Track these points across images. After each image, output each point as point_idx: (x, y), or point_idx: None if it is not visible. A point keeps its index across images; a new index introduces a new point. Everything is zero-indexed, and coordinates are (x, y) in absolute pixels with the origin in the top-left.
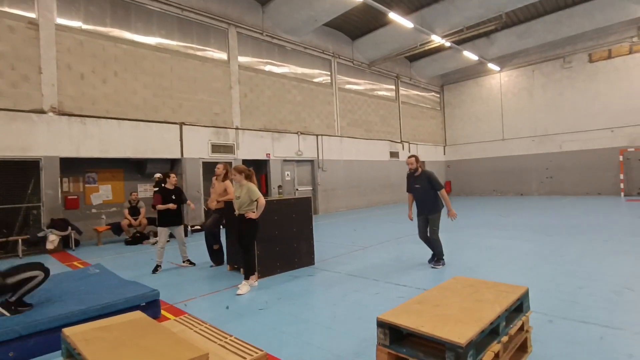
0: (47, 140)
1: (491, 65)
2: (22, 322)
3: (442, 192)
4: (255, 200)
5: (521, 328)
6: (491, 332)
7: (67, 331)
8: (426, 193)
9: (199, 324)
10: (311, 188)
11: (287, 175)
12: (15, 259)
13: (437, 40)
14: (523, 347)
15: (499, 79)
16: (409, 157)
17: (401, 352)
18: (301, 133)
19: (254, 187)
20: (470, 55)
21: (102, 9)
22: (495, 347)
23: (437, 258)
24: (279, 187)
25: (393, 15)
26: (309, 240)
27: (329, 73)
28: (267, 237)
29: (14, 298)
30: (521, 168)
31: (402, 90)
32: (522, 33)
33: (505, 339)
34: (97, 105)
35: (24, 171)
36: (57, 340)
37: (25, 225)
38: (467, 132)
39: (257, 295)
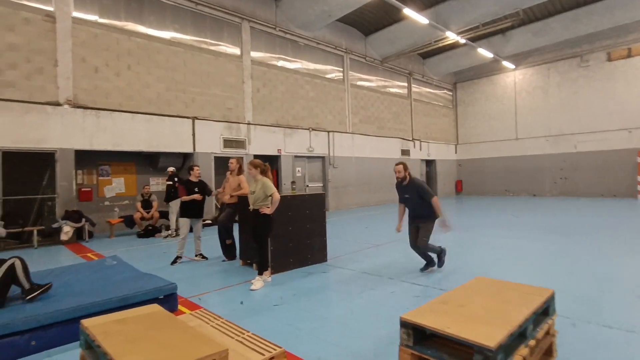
0: (61, 132)
1: (506, 63)
2: (43, 312)
3: (434, 201)
4: (270, 196)
5: (547, 332)
6: (518, 336)
7: (86, 323)
8: (417, 202)
9: (215, 318)
10: (322, 184)
11: (298, 171)
12: (30, 249)
13: (451, 36)
14: (548, 352)
15: (514, 77)
16: (396, 164)
17: (426, 353)
18: (313, 129)
19: (269, 182)
20: (485, 53)
21: (116, 2)
22: (523, 351)
23: (438, 258)
24: (292, 183)
25: (408, 11)
26: (322, 237)
27: (342, 69)
28: (280, 232)
29: (27, 286)
30: (534, 168)
31: (415, 88)
32: (538, 30)
33: (532, 342)
34: (110, 98)
35: (39, 163)
36: (77, 330)
37: (40, 216)
38: (480, 130)
39: (271, 291)
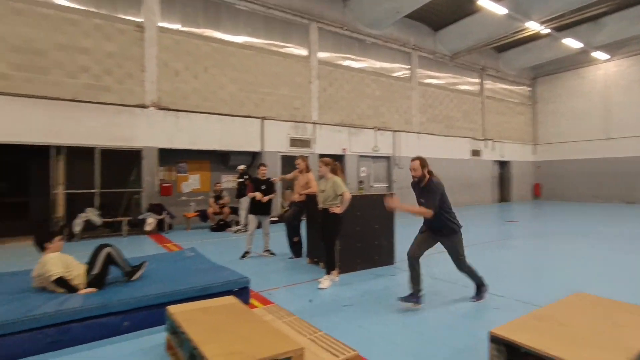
0: (146, 132)
1: (598, 54)
2: (134, 296)
3: (426, 210)
4: (340, 195)
5: None
6: None
7: (172, 309)
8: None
9: (287, 315)
10: (386, 185)
11: (363, 171)
12: (120, 237)
13: (533, 27)
14: None
15: (605, 70)
16: (412, 160)
17: None
18: (378, 129)
19: (339, 181)
20: (571, 43)
21: (196, 10)
22: None
23: (477, 289)
24: (360, 182)
25: (483, 2)
26: (389, 238)
27: (409, 67)
28: (348, 232)
29: (129, 269)
30: (630, 172)
31: (488, 84)
32: (636, 16)
33: None
34: (188, 100)
35: (127, 160)
36: (161, 315)
37: (128, 208)
38: (562, 129)
39: (340, 291)
